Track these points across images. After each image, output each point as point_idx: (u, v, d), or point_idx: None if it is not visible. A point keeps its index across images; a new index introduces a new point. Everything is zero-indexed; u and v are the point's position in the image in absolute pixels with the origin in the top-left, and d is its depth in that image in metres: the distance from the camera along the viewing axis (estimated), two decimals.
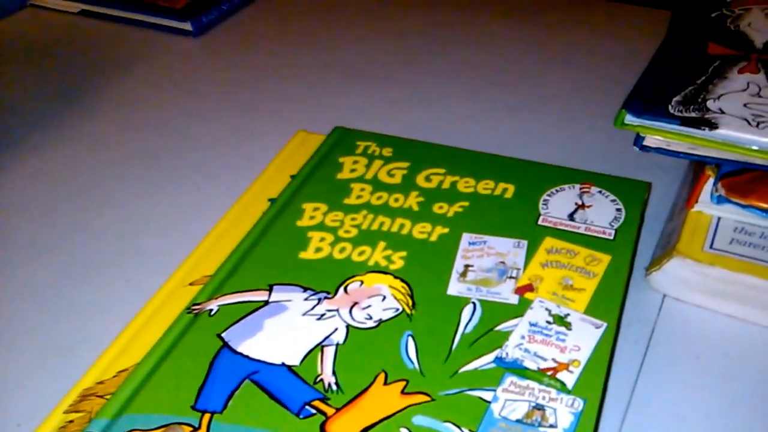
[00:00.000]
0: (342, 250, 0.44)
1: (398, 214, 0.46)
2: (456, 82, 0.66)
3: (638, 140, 0.44)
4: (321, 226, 0.46)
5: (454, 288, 0.41)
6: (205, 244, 0.47)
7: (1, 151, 0.59)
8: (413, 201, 0.47)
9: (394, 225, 0.46)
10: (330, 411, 0.35)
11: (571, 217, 0.45)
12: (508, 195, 0.47)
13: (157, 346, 0.39)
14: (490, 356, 0.37)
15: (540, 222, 0.45)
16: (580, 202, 0.46)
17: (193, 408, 0.36)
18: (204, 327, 0.40)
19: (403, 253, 0.44)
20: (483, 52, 0.70)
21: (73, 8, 0.80)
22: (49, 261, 0.48)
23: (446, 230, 0.45)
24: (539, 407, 0.35)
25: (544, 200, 0.46)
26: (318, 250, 0.44)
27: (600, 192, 0.46)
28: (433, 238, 0.45)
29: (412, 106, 0.63)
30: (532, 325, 0.38)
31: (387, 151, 0.52)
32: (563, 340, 0.37)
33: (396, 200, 0.47)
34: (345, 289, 0.41)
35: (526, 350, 0.37)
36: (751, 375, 0.40)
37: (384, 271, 0.42)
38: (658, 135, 0.43)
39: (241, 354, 0.38)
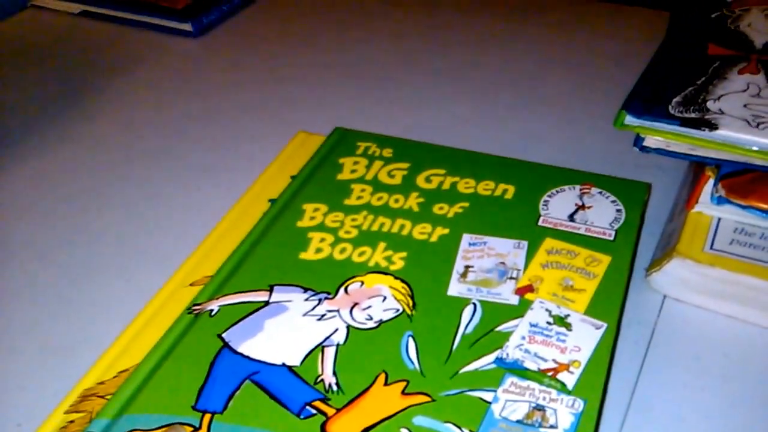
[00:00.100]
0: (342, 250, 0.44)
1: (398, 214, 0.46)
2: (456, 82, 0.66)
3: (638, 141, 0.44)
4: (321, 227, 0.46)
5: (455, 289, 0.41)
6: (205, 245, 0.47)
7: (1, 152, 0.59)
8: (413, 202, 0.47)
9: (395, 226, 0.46)
10: (330, 411, 0.35)
11: (571, 217, 0.45)
12: (509, 196, 0.47)
13: (157, 347, 0.39)
14: (491, 357, 0.37)
15: (540, 223, 0.45)
16: (580, 203, 0.46)
17: (194, 408, 0.36)
18: (204, 327, 0.40)
19: (404, 254, 0.44)
20: (483, 53, 0.70)
21: (73, 9, 0.80)
22: (50, 262, 0.48)
23: (446, 231, 0.45)
24: (540, 408, 0.35)
25: (545, 201, 0.46)
26: (318, 250, 0.44)
27: (600, 193, 0.46)
28: (434, 238, 0.45)
29: (412, 107, 0.63)
30: (532, 325, 0.38)
31: (387, 152, 0.52)
32: (563, 341, 0.38)
33: (396, 201, 0.47)
34: (345, 290, 0.41)
35: (527, 351, 0.37)
36: (752, 376, 0.40)
37: (384, 272, 0.42)
38: (658, 136, 0.43)
39: (241, 354, 0.38)
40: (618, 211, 0.45)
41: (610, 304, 0.40)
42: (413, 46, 0.72)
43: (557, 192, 0.47)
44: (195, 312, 0.41)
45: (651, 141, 0.44)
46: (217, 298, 0.41)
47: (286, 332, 0.39)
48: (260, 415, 0.35)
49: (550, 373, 0.36)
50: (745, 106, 0.42)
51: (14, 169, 0.57)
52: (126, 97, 0.66)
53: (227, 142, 0.59)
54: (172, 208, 0.52)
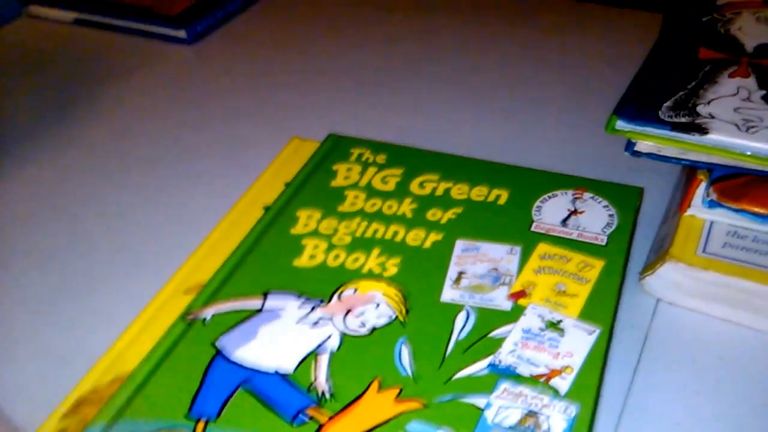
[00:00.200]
0: (336, 257, 0.44)
1: (392, 220, 0.47)
2: (450, 86, 0.66)
3: (630, 145, 0.44)
4: (315, 234, 0.46)
5: (448, 295, 0.41)
6: (200, 252, 0.47)
7: None
8: (407, 208, 0.47)
9: (388, 232, 0.46)
10: (324, 418, 0.35)
11: (564, 223, 0.45)
12: (502, 201, 0.47)
13: (151, 354, 0.39)
14: (484, 363, 0.37)
15: (533, 228, 0.45)
16: (573, 208, 0.46)
17: (188, 415, 0.36)
18: (198, 334, 0.40)
19: (397, 260, 0.44)
20: (477, 57, 0.71)
21: (67, 17, 0.80)
22: (45, 269, 0.48)
23: (440, 237, 0.45)
24: (532, 414, 0.35)
25: (538, 206, 0.46)
26: (312, 257, 0.44)
27: (593, 198, 0.47)
28: (427, 244, 0.45)
29: (406, 112, 0.63)
30: (525, 331, 0.39)
31: (381, 158, 0.52)
32: (556, 346, 0.38)
33: (390, 207, 0.48)
34: (339, 296, 0.41)
35: (520, 356, 0.37)
36: (746, 379, 0.40)
37: (378, 278, 0.42)
38: (649, 140, 0.43)
39: (235, 361, 0.38)
40: (610, 215, 0.45)
41: (603, 308, 0.40)
42: (407, 51, 0.72)
43: (550, 197, 0.47)
44: (189, 319, 0.41)
45: (642, 145, 0.44)
46: (211, 306, 0.41)
47: (279, 339, 0.39)
48: (254, 422, 0.35)
49: (542, 379, 0.36)
50: (735, 110, 0.42)
51: (9, 177, 0.57)
52: (121, 104, 0.66)
53: (222, 149, 0.59)
54: (167, 215, 0.52)
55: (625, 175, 0.49)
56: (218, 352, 0.39)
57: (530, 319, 0.39)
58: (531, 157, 0.53)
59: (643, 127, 0.43)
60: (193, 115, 0.64)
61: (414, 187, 0.49)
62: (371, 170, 0.51)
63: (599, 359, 0.37)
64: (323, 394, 0.36)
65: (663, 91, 0.44)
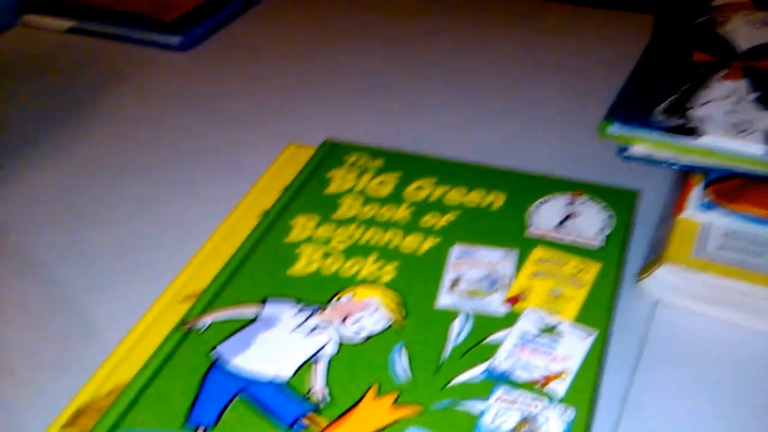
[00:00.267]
0: (332, 264, 0.44)
1: (388, 226, 0.47)
2: (446, 90, 0.66)
3: (623, 149, 0.45)
4: (311, 241, 0.46)
5: (444, 300, 0.41)
6: (197, 260, 0.47)
7: None
8: (403, 213, 0.48)
9: (384, 238, 0.46)
10: (322, 425, 0.35)
11: (559, 226, 0.45)
12: (497, 206, 0.47)
13: (149, 362, 0.39)
14: (481, 368, 0.37)
15: (529, 232, 0.45)
16: (568, 212, 0.46)
17: (186, 423, 0.36)
18: (195, 342, 0.40)
19: (393, 266, 0.44)
20: (472, 60, 0.71)
21: (62, 26, 0.80)
22: (42, 278, 0.48)
23: (436, 242, 0.45)
24: (530, 418, 0.35)
25: (533, 210, 0.47)
26: (309, 264, 0.44)
27: (588, 201, 0.47)
28: (423, 250, 0.45)
29: (403, 115, 0.63)
30: (521, 335, 0.39)
31: (376, 164, 0.52)
32: (552, 351, 0.38)
33: (386, 213, 0.48)
34: (336, 303, 0.42)
35: (516, 362, 0.37)
36: (745, 380, 0.40)
37: (374, 284, 0.43)
38: (643, 144, 0.43)
39: (232, 369, 0.38)
40: (606, 219, 0.45)
41: (600, 312, 0.40)
42: (404, 55, 0.72)
43: (546, 201, 0.47)
44: (186, 327, 0.41)
45: (636, 149, 0.44)
46: (208, 313, 0.41)
47: (277, 346, 0.39)
48: (252, 429, 0.35)
49: (539, 384, 0.36)
50: (728, 113, 0.43)
51: (4, 186, 0.57)
52: (117, 111, 0.66)
53: (218, 156, 0.59)
54: (164, 223, 0.52)
55: (622, 177, 0.49)
56: (215, 361, 0.39)
57: (526, 324, 0.39)
58: (527, 161, 0.53)
59: (637, 131, 0.43)
60: (189, 121, 0.64)
61: (409, 192, 0.49)
62: (367, 176, 0.51)
63: (595, 363, 0.37)
64: (321, 400, 0.36)
65: (656, 95, 0.45)
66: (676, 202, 0.45)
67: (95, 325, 0.45)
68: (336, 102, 0.66)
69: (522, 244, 0.44)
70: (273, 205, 0.49)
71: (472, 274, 0.43)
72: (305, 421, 0.35)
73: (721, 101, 0.44)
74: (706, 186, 0.43)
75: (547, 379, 0.36)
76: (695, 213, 0.44)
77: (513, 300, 0.41)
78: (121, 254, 0.50)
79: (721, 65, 0.47)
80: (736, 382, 0.40)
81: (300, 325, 0.40)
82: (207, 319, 0.41)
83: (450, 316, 0.40)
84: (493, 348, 0.38)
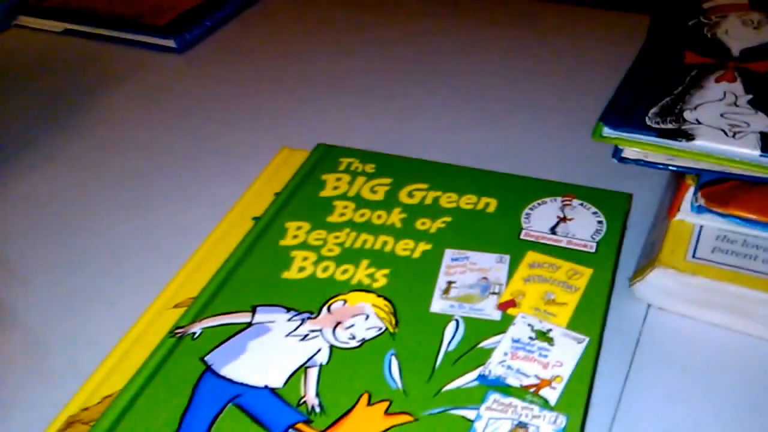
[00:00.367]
0: (325, 269, 0.44)
1: (381, 231, 0.46)
2: (439, 92, 0.66)
3: (617, 152, 0.44)
4: (304, 245, 0.46)
5: (437, 305, 0.41)
6: (189, 265, 0.47)
7: None
8: (396, 218, 0.47)
9: (377, 242, 0.46)
10: None
11: (553, 230, 0.45)
12: (491, 209, 0.47)
13: (140, 371, 0.39)
14: (474, 374, 0.37)
15: (522, 236, 0.45)
16: (561, 215, 0.46)
17: None
18: (187, 351, 0.40)
19: (386, 271, 0.44)
20: (466, 63, 0.70)
21: (56, 28, 0.80)
22: (34, 285, 0.48)
23: (429, 246, 0.45)
24: (522, 425, 0.35)
25: (526, 214, 0.46)
26: (301, 269, 0.44)
27: (581, 204, 0.46)
28: (416, 254, 0.45)
29: (397, 119, 0.63)
30: (514, 341, 0.39)
31: (370, 168, 0.52)
32: (546, 356, 0.38)
33: (379, 217, 0.48)
34: (328, 309, 0.41)
35: (509, 367, 0.37)
36: (737, 383, 0.40)
37: (367, 290, 0.42)
38: (636, 147, 0.43)
39: (224, 377, 0.38)
40: (599, 222, 0.45)
41: (592, 317, 0.40)
42: (398, 58, 0.72)
43: (539, 204, 0.47)
44: (177, 335, 0.41)
45: (629, 152, 0.44)
46: (200, 321, 0.41)
47: (268, 354, 0.39)
48: None
49: (532, 390, 0.36)
50: (721, 115, 0.42)
51: None
52: (109, 114, 0.66)
53: (211, 159, 0.59)
54: (157, 228, 0.52)
55: (616, 180, 0.49)
56: (207, 368, 0.38)
57: (519, 329, 0.39)
58: (520, 164, 0.53)
59: (630, 134, 0.43)
60: (182, 124, 0.64)
61: (403, 196, 0.49)
62: (360, 180, 0.51)
63: (589, 368, 0.37)
64: (313, 409, 0.36)
65: (649, 97, 0.45)
66: (669, 205, 0.45)
67: (87, 332, 0.45)
68: (330, 105, 0.65)
69: (515, 248, 0.44)
70: (267, 208, 0.49)
71: (465, 279, 0.42)
72: (297, 430, 0.35)
73: (715, 103, 0.43)
74: (699, 189, 0.43)
75: (540, 385, 0.36)
76: (689, 216, 0.44)
77: (506, 305, 0.41)
78: (113, 259, 0.50)
79: (715, 67, 0.47)
80: (729, 385, 0.39)
81: (292, 332, 0.40)
82: (199, 326, 0.41)
83: (443, 321, 0.40)
84: (486, 353, 0.38)
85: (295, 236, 0.47)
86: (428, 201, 0.48)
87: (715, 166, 0.42)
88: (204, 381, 0.38)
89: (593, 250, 0.43)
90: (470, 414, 0.35)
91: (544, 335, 0.39)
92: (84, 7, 0.80)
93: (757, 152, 0.40)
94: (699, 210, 0.43)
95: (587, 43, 0.72)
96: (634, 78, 0.48)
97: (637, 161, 0.44)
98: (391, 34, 0.77)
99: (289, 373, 0.38)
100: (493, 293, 0.41)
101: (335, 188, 0.50)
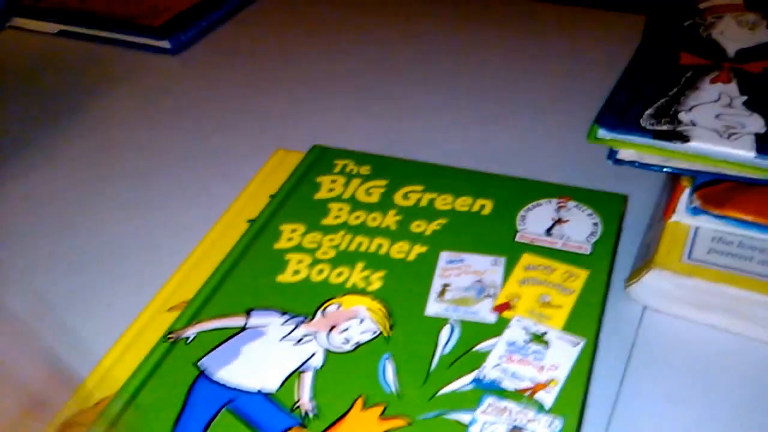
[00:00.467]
0: (320, 272, 0.44)
1: (376, 233, 0.46)
2: (434, 93, 0.66)
3: (612, 154, 0.44)
4: (299, 248, 0.46)
5: (432, 308, 0.41)
6: (184, 268, 0.47)
7: None
8: (391, 220, 0.47)
9: (372, 245, 0.45)
10: None
11: (548, 232, 0.45)
12: (486, 211, 0.47)
13: (134, 376, 0.39)
14: (469, 377, 0.37)
15: (517, 238, 0.45)
16: (557, 217, 0.46)
17: None
18: (181, 355, 0.39)
19: (381, 274, 0.43)
20: (462, 64, 0.70)
21: (51, 29, 0.80)
22: (29, 287, 0.48)
23: (424, 249, 0.45)
24: (518, 429, 0.35)
25: (522, 216, 0.46)
26: (296, 272, 0.44)
27: (577, 206, 0.46)
28: (411, 257, 0.44)
29: (392, 120, 0.63)
30: (509, 344, 0.38)
31: (365, 169, 0.52)
32: (541, 359, 0.37)
33: (374, 219, 0.47)
34: (323, 312, 0.41)
35: (504, 371, 0.37)
36: (733, 386, 0.39)
37: (362, 293, 0.42)
38: (631, 148, 0.43)
39: (218, 382, 0.38)
40: (595, 224, 0.45)
41: (588, 319, 0.40)
42: (393, 58, 0.72)
43: (534, 206, 0.47)
44: (171, 339, 0.40)
45: (624, 154, 0.44)
46: (194, 324, 0.41)
47: (263, 358, 0.39)
48: None
49: (527, 393, 0.36)
50: (717, 116, 0.42)
51: None
52: (105, 116, 0.66)
53: (206, 161, 0.59)
54: (152, 230, 0.52)
55: (612, 181, 0.49)
56: (201, 373, 0.38)
57: (515, 332, 0.39)
58: (516, 165, 0.53)
59: (625, 136, 0.43)
60: (177, 126, 0.64)
61: (398, 198, 0.49)
62: (355, 182, 0.51)
63: (584, 371, 0.37)
64: (307, 413, 0.36)
65: (644, 99, 0.44)
66: (665, 207, 0.45)
67: (81, 335, 0.44)
68: (324, 106, 0.65)
69: (511, 250, 0.44)
70: (262, 211, 0.49)
71: (460, 281, 0.42)
72: None
73: (710, 104, 0.43)
74: (694, 191, 0.43)
75: (536, 389, 0.36)
76: (684, 217, 0.44)
77: (501, 307, 0.41)
78: (108, 262, 0.50)
79: (710, 68, 0.47)
80: (725, 387, 0.39)
81: (286, 335, 0.40)
82: (193, 330, 0.41)
83: (438, 324, 0.40)
84: (482, 356, 0.38)
85: (290, 239, 0.46)
86: (423, 203, 0.48)
87: (710, 167, 0.41)
88: (198, 385, 0.38)
89: (589, 252, 0.43)
90: (465, 418, 0.35)
91: (539, 338, 0.39)
92: (79, 8, 0.80)
93: (752, 154, 0.40)
94: (694, 211, 0.43)
95: (585, 44, 0.72)
96: (629, 79, 0.47)
97: (632, 163, 0.44)
98: (388, 35, 0.77)
99: (284, 377, 0.38)
100: (489, 296, 0.41)
101: (330, 190, 0.50)
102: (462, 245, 0.45)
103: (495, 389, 0.36)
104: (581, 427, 0.36)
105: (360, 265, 0.44)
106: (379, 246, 0.45)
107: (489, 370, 0.37)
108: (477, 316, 0.40)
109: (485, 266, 0.43)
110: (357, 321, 0.41)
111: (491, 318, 0.40)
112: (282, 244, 0.46)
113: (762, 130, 0.41)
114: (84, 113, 0.66)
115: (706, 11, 0.53)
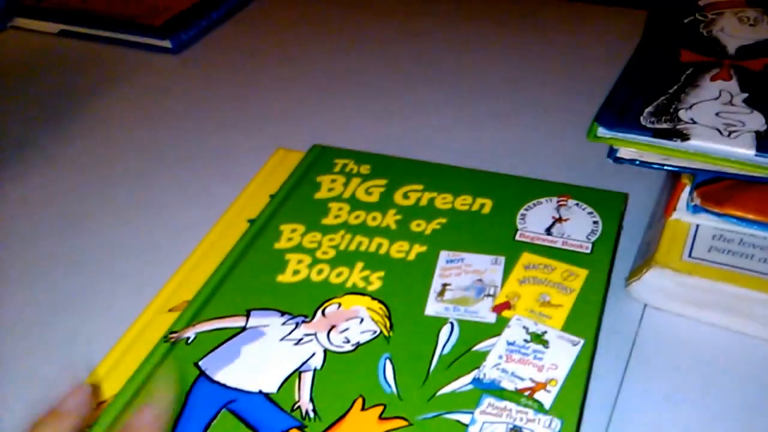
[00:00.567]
0: (320, 272, 0.44)
1: (376, 233, 0.46)
2: (434, 92, 0.66)
3: (612, 152, 0.44)
4: (299, 248, 0.46)
5: (432, 308, 0.41)
6: (184, 268, 0.47)
7: None
8: (391, 219, 0.47)
9: (372, 244, 0.45)
10: None
11: (548, 231, 0.45)
12: (486, 210, 0.47)
13: (135, 376, 0.39)
14: (468, 377, 0.37)
15: (517, 237, 0.45)
16: (557, 216, 0.46)
17: None
18: (181, 356, 0.40)
19: (381, 274, 0.43)
20: (462, 62, 0.70)
21: (52, 29, 0.80)
22: (29, 288, 0.48)
23: (424, 248, 0.45)
24: (517, 429, 0.35)
25: (522, 215, 0.46)
26: (296, 272, 0.44)
27: (577, 205, 0.46)
28: (411, 257, 0.44)
29: (392, 119, 0.62)
30: (509, 344, 0.38)
31: (365, 169, 0.51)
32: (540, 359, 0.37)
33: (374, 219, 0.47)
34: (323, 312, 0.41)
35: (504, 370, 0.37)
36: (733, 385, 0.39)
37: (362, 293, 0.42)
38: (631, 147, 0.43)
39: (218, 383, 0.38)
40: (595, 223, 0.45)
41: (588, 319, 0.40)
42: (393, 57, 0.72)
43: (534, 205, 0.47)
44: (171, 340, 0.40)
45: (624, 152, 0.44)
46: (194, 325, 0.41)
47: (263, 358, 0.39)
48: None
49: (527, 393, 0.36)
50: (717, 114, 0.42)
51: None
52: (105, 115, 0.66)
53: (207, 160, 0.59)
54: (152, 231, 0.52)
55: (612, 179, 0.49)
56: (201, 373, 0.38)
57: (514, 332, 0.39)
58: (515, 164, 0.53)
59: (625, 134, 0.42)
60: (178, 125, 0.64)
61: (398, 197, 0.49)
62: (355, 181, 0.50)
63: (583, 371, 0.37)
64: (307, 414, 0.36)
65: (644, 97, 0.44)
66: (665, 205, 0.45)
67: (83, 337, 0.45)
68: (324, 106, 0.65)
69: (510, 249, 0.44)
70: (262, 210, 0.49)
71: (460, 281, 0.42)
72: None
73: (710, 102, 0.43)
74: (694, 189, 0.42)
75: (536, 388, 0.36)
76: (684, 215, 0.44)
77: (500, 307, 0.40)
78: (108, 262, 0.50)
79: (710, 65, 0.46)
80: (726, 386, 0.39)
81: (286, 336, 0.40)
82: (193, 331, 0.41)
83: (438, 324, 0.40)
84: (481, 356, 0.38)
85: (290, 239, 0.46)
86: (423, 202, 0.48)
87: (710, 165, 0.41)
88: (198, 386, 0.38)
89: (589, 251, 0.43)
90: (465, 418, 0.35)
91: (539, 337, 0.39)
92: (80, 8, 0.80)
93: (752, 152, 0.40)
94: (695, 209, 0.43)
95: (586, 40, 0.72)
96: (629, 77, 0.47)
97: (632, 161, 0.44)
98: (388, 34, 0.76)
99: (283, 377, 0.38)
100: (488, 295, 0.41)
101: (330, 190, 0.50)
102: (462, 244, 0.45)
103: (494, 389, 0.36)
104: (581, 427, 0.36)
105: (360, 265, 0.44)
106: (379, 246, 0.45)
107: (488, 370, 0.37)
108: (476, 316, 0.40)
109: (485, 265, 0.43)
110: (357, 321, 0.40)
111: (491, 318, 0.40)
112: (282, 244, 0.46)
113: (762, 128, 0.41)
114: (83, 113, 0.66)
115: (706, 7, 0.53)
